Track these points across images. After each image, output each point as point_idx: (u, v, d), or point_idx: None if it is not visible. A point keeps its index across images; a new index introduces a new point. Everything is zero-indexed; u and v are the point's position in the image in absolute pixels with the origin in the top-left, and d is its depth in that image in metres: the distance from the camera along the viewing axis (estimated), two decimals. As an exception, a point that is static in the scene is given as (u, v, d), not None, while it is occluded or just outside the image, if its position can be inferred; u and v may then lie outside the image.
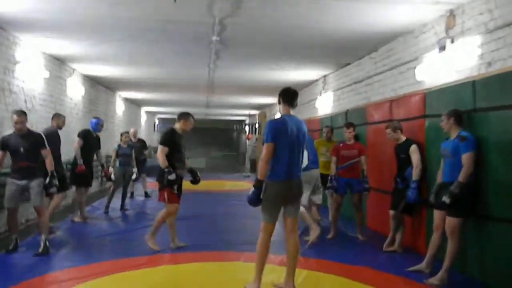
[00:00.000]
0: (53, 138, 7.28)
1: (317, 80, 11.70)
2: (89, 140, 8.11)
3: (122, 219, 8.64)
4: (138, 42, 7.78)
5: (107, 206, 9.20)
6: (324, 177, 8.28)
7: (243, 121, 29.46)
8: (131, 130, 11.62)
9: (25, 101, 7.77)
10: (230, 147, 30.07)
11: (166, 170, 5.72)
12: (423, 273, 5.04)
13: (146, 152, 12.30)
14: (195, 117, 6.40)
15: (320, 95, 11.26)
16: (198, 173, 6.40)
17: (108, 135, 14.31)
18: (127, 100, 17.97)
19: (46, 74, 8.58)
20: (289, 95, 4.45)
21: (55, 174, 5.89)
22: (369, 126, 7.94)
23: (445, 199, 4.59)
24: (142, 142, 11.74)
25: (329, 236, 7.02)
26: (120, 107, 16.52)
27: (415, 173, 5.67)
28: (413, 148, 5.79)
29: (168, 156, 5.79)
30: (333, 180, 6.99)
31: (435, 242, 4.96)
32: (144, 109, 22.95)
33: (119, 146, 9.40)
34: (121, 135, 9.61)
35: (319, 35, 7.13)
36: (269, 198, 4.24)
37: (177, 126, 6.05)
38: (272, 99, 17.42)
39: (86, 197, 8.52)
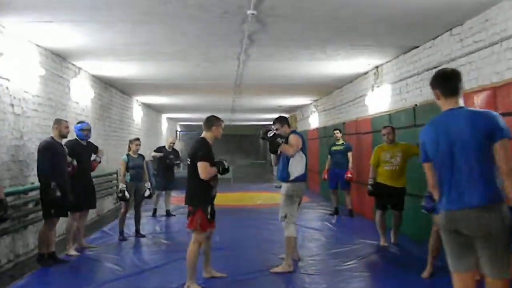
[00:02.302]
0: (47, 152, 5.73)
1: (366, 73, 9.83)
2: (79, 154, 6.45)
3: (134, 250, 6.87)
4: (152, 24, 6.07)
5: (121, 232, 7.50)
6: (392, 191, 6.54)
7: (270, 125, 27.76)
8: (169, 139, 10.64)
9: (12, 105, 6.14)
10: (256, 155, 28.27)
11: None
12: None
13: (180, 163, 10.99)
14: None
15: (372, 90, 9.38)
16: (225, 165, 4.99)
17: (125, 144, 12.73)
18: (146, 106, 16.42)
19: (42, 71, 6.96)
20: (438, 77, 2.99)
21: None
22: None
23: None
24: (176, 153, 10.34)
25: (425, 274, 5.18)
26: (138, 114, 14.94)
27: None
28: None
29: None
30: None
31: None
32: (165, 116, 21.42)
33: (128, 156, 7.66)
34: (130, 142, 7.85)
35: (381, 8, 5.39)
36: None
37: (208, 135, 4.98)
38: (306, 100, 15.59)
39: (84, 222, 6.89)
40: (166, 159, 9.86)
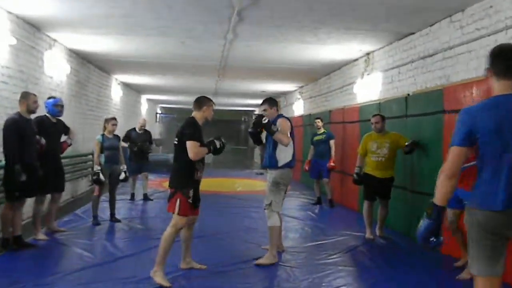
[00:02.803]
0: (12, 130, 5.28)
1: (355, 60, 9.52)
2: (47, 131, 5.96)
3: (108, 236, 6.47)
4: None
5: (95, 216, 7.08)
6: (379, 182, 6.34)
7: (252, 111, 27.37)
8: (140, 121, 9.93)
9: (-23, 75, 5.64)
10: (238, 140, 27.92)
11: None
12: None
13: (152, 146, 10.45)
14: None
15: (362, 77, 9.09)
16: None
17: (101, 125, 12.18)
18: (125, 86, 15.82)
19: (12, 40, 6.44)
20: (492, 54, 2.57)
21: None
22: (448, 115, 5.79)
23: None
24: (147, 134, 9.77)
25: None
26: (116, 93, 14.36)
27: None
28: None
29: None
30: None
31: None
32: (145, 97, 20.80)
33: (103, 136, 7.21)
34: (106, 121, 7.38)
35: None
36: (470, 235, 2.56)
37: (198, 115, 4.64)
38: (291, 86, 15.25)
39: (56, 204, 6.48)
40: (134, 145, 9.37)
